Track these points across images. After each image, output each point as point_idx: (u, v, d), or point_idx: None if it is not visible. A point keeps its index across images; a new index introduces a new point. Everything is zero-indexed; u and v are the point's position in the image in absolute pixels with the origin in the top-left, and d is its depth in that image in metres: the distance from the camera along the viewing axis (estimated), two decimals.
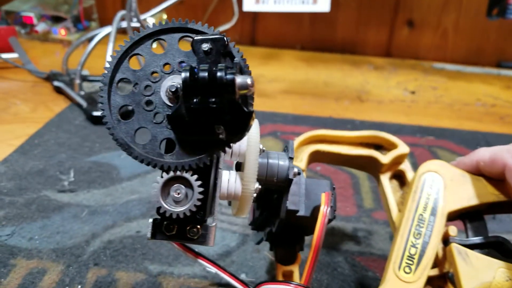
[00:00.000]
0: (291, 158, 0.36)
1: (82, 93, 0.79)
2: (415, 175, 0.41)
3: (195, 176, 0.27)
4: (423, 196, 0.40)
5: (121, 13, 0.79)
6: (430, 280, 0.37)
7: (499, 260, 0.36)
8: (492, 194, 0.40)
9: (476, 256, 0.36)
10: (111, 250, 0.47)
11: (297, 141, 0.44)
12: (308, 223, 0.37)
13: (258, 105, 0.82)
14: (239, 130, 0.26)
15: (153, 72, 0.28)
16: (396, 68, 1.09)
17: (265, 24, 1.17)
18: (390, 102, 0.90)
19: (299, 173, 0.37)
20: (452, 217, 0.40)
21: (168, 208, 0.27)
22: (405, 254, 0.37)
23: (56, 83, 0.83)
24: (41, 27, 1.09)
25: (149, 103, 0.27)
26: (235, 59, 0.26)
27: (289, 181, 0.35)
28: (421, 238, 0.38)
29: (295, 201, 0.37)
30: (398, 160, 0.44)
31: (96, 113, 0.73)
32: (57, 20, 1.11)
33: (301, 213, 0.37)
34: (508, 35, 1.14)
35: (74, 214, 0.52)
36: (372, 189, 0.60)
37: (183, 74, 0.24)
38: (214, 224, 0.30)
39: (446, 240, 0.39)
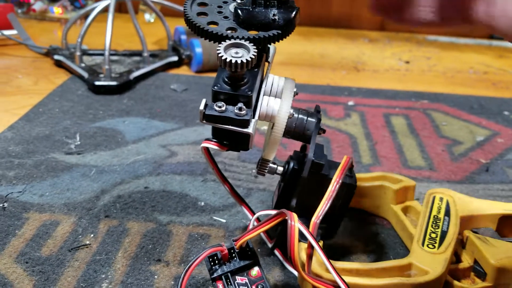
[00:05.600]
0: (319, 119, 0.39)
1: (83, 65, 0.81)
2: (424, 198, 0.44)
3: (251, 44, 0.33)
4: (434, 206, 0.43)
5: None
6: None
7: None
8: (502, 209, 0.44)
9: (494, 240, 0.39)
10: (121, 203, 0.49)
11: None
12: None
13: None
14: (289, 20, 0.35)
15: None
16: (390, 41, 1.11)
17: None
18: (385, 71, 0.92)
19: (324, 131, 0.40)
20: (465, 224, 0.42)
21: (230, 57, 0.31)
22: (426, 236, 0.40)
23: (56, 57, 0.84)
24: (38, 5, 1.10)
25: (220, 12, 0.36)
26: None
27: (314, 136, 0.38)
28: (439, 229, 0.41)
29: (319, 155, 0.39)
30: (406, 191, 0.46)
31: (99, 83, 0.74)
32: None
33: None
34: None
35: (82, 173, 0.54)
36: (369, 147, 0.62)
37: None
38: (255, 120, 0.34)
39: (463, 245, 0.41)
